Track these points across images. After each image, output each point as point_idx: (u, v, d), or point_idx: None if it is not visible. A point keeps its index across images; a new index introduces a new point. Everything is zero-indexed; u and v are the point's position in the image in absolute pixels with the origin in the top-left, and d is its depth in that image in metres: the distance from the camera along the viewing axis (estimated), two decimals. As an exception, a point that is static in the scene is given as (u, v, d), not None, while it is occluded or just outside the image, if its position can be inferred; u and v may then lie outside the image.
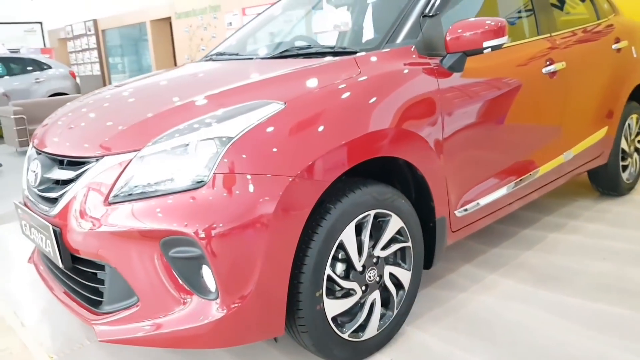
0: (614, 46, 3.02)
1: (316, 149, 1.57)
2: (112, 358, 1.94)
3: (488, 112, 2.17)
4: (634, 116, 3.26)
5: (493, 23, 1.96)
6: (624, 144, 3.19)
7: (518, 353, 1.83)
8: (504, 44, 2.00)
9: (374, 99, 1.76)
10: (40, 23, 14.79)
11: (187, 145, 1.51)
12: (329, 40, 2.69)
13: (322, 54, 2.06)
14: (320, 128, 1.61)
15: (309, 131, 1.60)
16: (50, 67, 9.18)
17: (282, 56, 2.16)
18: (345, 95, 1.72)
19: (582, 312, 2.06)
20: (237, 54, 2.46)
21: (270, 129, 1.55)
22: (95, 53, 12.43)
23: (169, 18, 9.88)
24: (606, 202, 3.26)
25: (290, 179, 1.50)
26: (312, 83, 1.74)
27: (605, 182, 3.24)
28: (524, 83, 2.34)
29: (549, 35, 2.62)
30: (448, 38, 1.98)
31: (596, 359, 1.77)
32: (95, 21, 12.19)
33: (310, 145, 1.57)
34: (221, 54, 2.55)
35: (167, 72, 2.43)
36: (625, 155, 3.23)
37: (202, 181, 1.47)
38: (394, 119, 1.79)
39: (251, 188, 1.47)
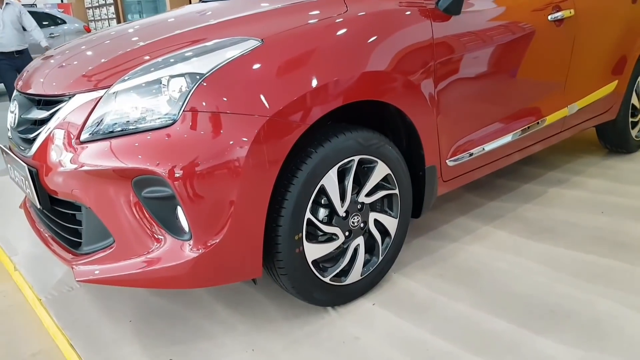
0: (628, -6, 2.86)
1: (294, 90, 1.54)
2: (99, 300, 2.00)
3: (485, 61, 2.09)
4: (648, 70, 3.11)
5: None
6: (634, 100, 3.06)
7: (502, 300, 1.82)
8: (503, -16, 1.91)
9: (358, 40, 1.71)
10: (59, -23, 14.72)
11: (158, 82, 1.49)
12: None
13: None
14: (299, 67, 1.58)
15: (287, 70, 1.56)
16: (65, 22, 9.19)
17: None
18: (328, 34, 1.67)
19: (572, 263, 2.04)
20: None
21: (245, 67, 1.52)
22: (112, 9, 12.37)
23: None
24: (613, 159, 3.17)
25: (266, 119, 1.48)
26: (293, 20, 1.69)
27: (613, 138, 3.14)
28: (526, 30, 2.24)
29: (557, -21, 2.49)
30: (444, -24, 1.90)
31: (580, 306, 1.76)
32: (112, -24, 12.10)
33: (287, 85, 1.54)
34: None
35: (164, 14, 2.40)
36: (635, 111, 3.11)
37: (172, 119, 1.45)
38: (381, 61, 1.74)
39: (223, 127, 1.45)
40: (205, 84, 1.47)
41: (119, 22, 12.31)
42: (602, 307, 1.75)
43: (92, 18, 13.24)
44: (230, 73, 1.51)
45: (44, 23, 8.94)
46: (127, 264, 1.56)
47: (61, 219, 1.74)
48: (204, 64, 1.50)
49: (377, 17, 1.79)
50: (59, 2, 13.78)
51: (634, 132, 3.15)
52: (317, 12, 1.74)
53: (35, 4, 12.69)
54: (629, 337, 1.60)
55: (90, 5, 13.21)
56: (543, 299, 1.82)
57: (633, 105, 3.07)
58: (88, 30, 9.54)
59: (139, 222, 1.53)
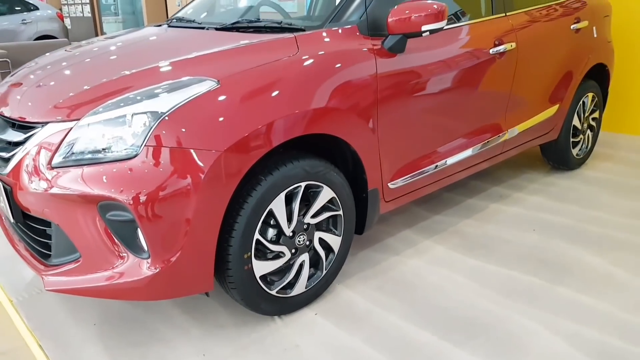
0: (572, 26, 3.09)
1: (245, 126, 1.71)
2: (66, 303, 2.17)
3: (426, 93, 2.29)
4: (589, 94, 3.37)
5: (433, 7, 2.04)
6: (576, 121, 3.31)
7: (430, 313, 2.05)
8: (443, 28, 2.10)
9: (307, 79, 1.89)
10: (32, -42, 14.37)
11: (123, 117, 1.65)
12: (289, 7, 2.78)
13: (271, 29, 2.16)
14: (252, 106, 1.75)
15: (240, 108, 1.73)
16: (37, 8, 9.07)
17: (233, 28, 2.26)
18: (280, 74, 1.85)
19: (498, 279, 2.28)
20: (193, 21, 2.55)
21: (202, 105, 1.69)
22: (86, -6, 12.17)
23: (162, -39, 9.66)
24: (555, 176, 3.43)
25: (219, 153, 1.66)
26: (248, 61, 1.85)
27: (555, 156, 3.39)
28: (468, 63, 2.45)
29: (504, 14, 2.69)
30: (389, 20, 2.07)
31: (497, 321, 2.00)
32: (87, -40, 11.87)
33: (240, 122, 1.71)
34: (180, 20, 2.65)
35: (127, 36, 2.53)
36: (577, 131, 3.37)
37: (135, 152, 1.62)
38: (327, 98, 1.92)
39: (180, 160, 1.63)
40: (165, 120, 1.64)
41: (92, 7, 12.11)
42: (518, 323, 1.99)
43: (66, 2, 13.00)
44: (189, 111, 1.67)
45: (16, 9, 8.84)
46: (92, 277, 1.74)
47: (33, 232, 1.90)
48: (165, 103, 1.67)
49: (325, 58, 1.97)
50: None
51: (575, 151, 3.41)
52: (270, 53, 1.91)
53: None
54: (538, 355, 1.83)
55: (63, -11, 12.96)
56: (466, 313, 2.05)
57: (574, 126, 3.33)
58: (61, 17, 9.40)
59: (104, 241, 1.70)
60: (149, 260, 1.68)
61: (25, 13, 8.86)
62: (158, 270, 1.68)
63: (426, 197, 3.05)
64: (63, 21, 9.46)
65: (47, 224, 1.81)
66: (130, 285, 1.70)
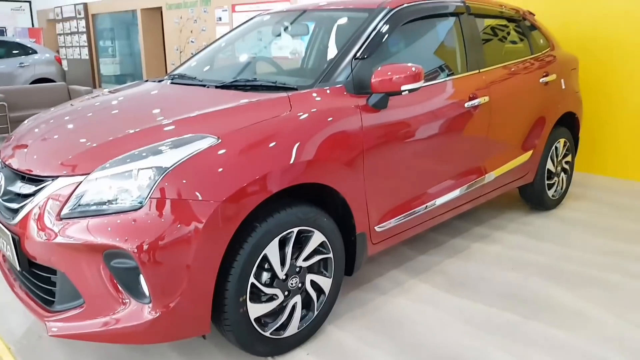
0: (541, 80, 3.36)
1: (243, 179, 1.89)
2: (65, 347, 2.27)
3: (407, 144, 2.50)
4: (561, 140, 3.62)
5: (411, 70, 2.27)
6: (550, 165, 3.55)
7: (416, 350, 2.19)
8: (420, 87, 2.33)
9: (299, 134, 2.08)
10: (29, 2, 14.85)
11: (129, 172, 1.82)
12: (284, 64, 3.02)
13: (266, 87, 2.38)
14: (248, 160, 1.93)
15: (237, 162, 1.91)
16: (35, 52, 9.31)
17: (232, 86, 2.47)
18: (274, 131, 2.04)
19: (479, 316, 2.43)
20: (195, 78, 2.77)
21: (203, 160, 1.86)
22: (84, 37, 12.55)
23: (160, 8, 10.06)
24: (533, 216, 3.64)
25: (218, 204, 1.82)
26: (246, 119, 2.04)
27: (532, 197, 3.61)
28: (445, 116, 2.68)
29: (477, 71, 2.95)
30: (373, 80, 2.30)
31: (477, 355, 2.14)
32: (85, 5, 12.30)
33: (237, 175, 1.89)
34: (182, 76, 2.86)
35: (131, 90, 2.74)
36: (551, 174, 3.60)
37: (140, 204, 1.78)
38: (317, 151, 2.11)
39: (183, 211, 1.79)
40: (169, 175, 1.81)
41: (90, 50, 12.46)
42: (496, 356, 2.14)
43: (63, 44, 13.36)
44: (191, 166, 1.85)
45: (14, 52, 9.08)
46: (94, 322, 1.85)
47: (37, 279, 2.03)
48: (170, 158, 1.84)
49: (315, 115, 2.18)
50: (30, 27, 13.89)
51: (550, 192, 3.63)
52: (266, 111, 2.11)
53: (5, 28, 12.73)
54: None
55: (62, 32, 13.34)
56: (450, 349, 2.19)
57: (549, 170, 3.56)
58: (59, 60, 9.66)
59: (107, 287, 1.84)
60: (150, 305, 1.81)
61: (23, 57, 9.09)
62: (158, 314, 1.81)
63: (412, 237, 3.22)
64: (61, 64, 9.71)
65: (52, 271, 1.93)
66: (131, 330, 1.82)
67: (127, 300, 1.84)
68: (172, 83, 2.77)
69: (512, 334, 2.29)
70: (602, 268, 2.86)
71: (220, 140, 1.92)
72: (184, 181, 1.82)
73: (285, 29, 3.09)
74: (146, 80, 3.07)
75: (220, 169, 1.88)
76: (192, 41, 9.35)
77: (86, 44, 12.53)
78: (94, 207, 1.82)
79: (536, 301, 2.54)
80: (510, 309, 2.48)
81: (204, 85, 2.58)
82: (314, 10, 3.11)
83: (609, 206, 3.80)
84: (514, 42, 3.51)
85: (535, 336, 2.26)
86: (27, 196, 1.99)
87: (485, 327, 2.34)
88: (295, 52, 2.90)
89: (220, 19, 8.60)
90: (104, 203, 1.82)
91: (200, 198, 1.82)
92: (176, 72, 3.05)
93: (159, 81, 2.92)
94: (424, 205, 2.66)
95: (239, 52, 3.16)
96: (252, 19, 3.35)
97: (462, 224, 3.50)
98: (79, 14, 12.53)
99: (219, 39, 3.33)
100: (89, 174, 1.87)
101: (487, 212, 3.70)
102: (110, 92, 2.82)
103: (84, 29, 12.48)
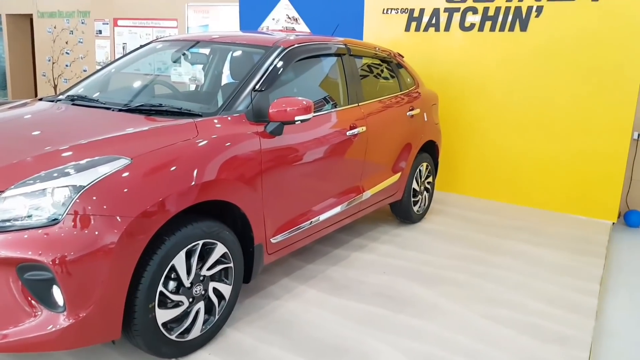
0: (408, 113, 4.00)
1: (154, 197, 2.09)
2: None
3: (299, 166, 2.88)
4: (424, 164, 4.30)
5: (303, 103, 2.66)
6: (415, 185, 4.19)
7: (304, 344, 2.54)
8: (310, 118, 2.73)
9: (204, 156, 2.34)
10: None
11: (45, 190, 1.94)
12: (183, 89, 3.25)
13: (172, 113, 2.60)
14: (159, 179, 2.15)
15: (150, 182, 2.11)
16: None
17: (137, 110, 2.65)
18: (182, 154, 2.28)
19: (356, 312, 2.86)
20: (97, 100, 2.88)
21: (116, 180, 2.03)
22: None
23: (31, 15, 9.43)
24: (402, 228, 4.24)
25: (131, 220, 2.01)
26: (157, 142, 2.25)
27: (401, 212, 4.22)
28: (330, 142, 3.12)
29: (357, 104, 3.46)
30: (270, 111, 2.65)
31: (355, 344, 2.55)
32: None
33: (149, 193, 2.09)
34: (82, 98, 2.95)
35: (32, 109, 2.77)
36: (416, 193, 4.24)
37: (56, 219, 1.91)
38: (221, 172, 2.38)
39: (97, 226, 1.94)
40: (85, 192, 1.96)
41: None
42: (369, 344, 2.56)
43: None
44: (105, 184, 2.01)
45: None
46: (5, 333, 1.92)
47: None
48: (86, 177, 1.99)
49: (218, 140, 2.45)
50: None
51: (415, 208, 4.27)
52: (174, 135, 2.34)
53: None
54: (381, 365, 2.42)
55: None
56: (333, 340, 2.58)
57: (414, 189, 4.19)
58: None
59: (19, 298, 1.92)
60: (65, 313, 1.92)
61: None
62: (71, 322, 1.93)
63: (302, 249, 3.59)
64: None
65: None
66: (43, 338, 1.92)
67: (39, 312, 1.94)
68: (73, 104, 2.85)
69: (384, 325, 2.75)
70: (454, 270, 3.49)
71: (132, 161, 2.11)
72: (99, 198, 1.98)
73: (184, 56, 3.33)
74: (40, 99, 3.08)
75: (132, 188, 2.07)
76: (67, 52, 8.92)
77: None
78: (9, 223, 1.90)
79: (403, 298, 3.05)
80: (383, 306, 2.95)
81: (109, 108, 2.71)
82: (212, 42, 3.40)
83: (462, 220, 4.55)
84: (386, 79, 4.11)
85: (402, 326, 2.75)
86: None
87: (362, 321, 2.78)
88: (194, 79, 3.14)
89: (100, 32, 8.37)
90: (20, 219, 1.90)
91: (114, 214, 1.99)
92: (73, 92, 3.11)
93: (56, 100, 2.97)
94: (311, 220, 3.05)
95: (136, 75, 3.31)
96: (148, 43, 3.53)
97: (344, 236, 3.97)
98: None
99: (115, 60, 3.45)
100: (3, 191, 1.94)
101: (364, 225, 4.23)
102: (12, 111, 2.79)
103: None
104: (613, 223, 4.62)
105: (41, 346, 1.95)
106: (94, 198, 1.97)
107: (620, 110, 4.40)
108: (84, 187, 1.97)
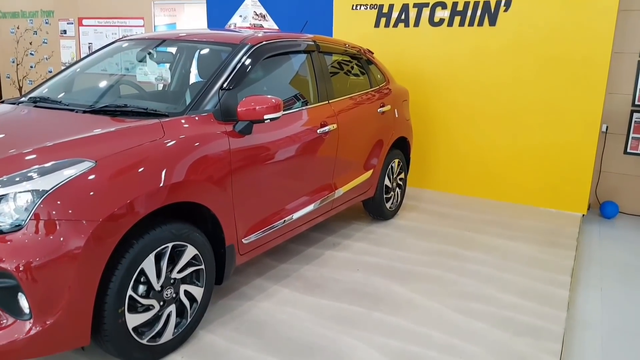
0: (379, 110, 4.01)
1: (120, 200, 2.05)
2: None
3: (269, 165, 2.86)
4: (396, 161, 4.32)
5: (272, 101, 2.63)
6: (387, 182, 4.21)
7: (279, 343, 2.52)
8: (280, 117, 2.70)
9: (172, 157, 2.30)
10: None
11: (7, 195, 1.88)
12: (150, 89, 3.18)
13: (138, 114, 2.54)
14: (124, 182, 2.10)
15: (114, 185, 2.06)
16: None
17: (101, 111, 2.58)
18: (148, 155, 2.23)
19: (330, 310, 2.86)
20: (60, 102, 2.80)
21: (81, 183, 1.98)
22: None
23: (-8, 14, 9.12)
24: (375, 225, 4.26)
25: (97, 224, 1.96)
26: (122, 144, 2.20)
27: (373, 209, 4.23)
28: (301, 141, 3.10)
29: (327, 102, 3.45)
30: (239, 109, 2.61)
31: (330, 342, 2.55)
32: None
33: (114, 196, 2.04)
34: (45, 99, 2.86)
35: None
36: (388, 190, 4.26)
37: (20, 225, 1.85)
38: (189, 173, 2.34)
39: (62, 231, 1.89)
40: (48, 197, 1.90)
41: None
42: (344, 342, 2.56)
43: None
44: (69, 188, 1.95)
45: None
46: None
47: None
48: (49, 181, 1.93)
49: (186, 140, 2.41)
50: None
51: (388, 205, 4.29)
52: (140, 136, 2.28)
53: None
54: (356, 362, 2.42)
55: None
56: (307, 339, 2.57)
57: (386, 186, 4.21)
58: None
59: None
60: (31, 321, 1.88)
61: None
62: (39, 330, 1.88)
63: (275, 248, 3.57)
64: None
65: None
66: (10, 347, 1.86)
67: (4, 320, 1.87)
68: (36, 106, 2.76)
69: (358, 322, 2.75)
70: (427, 265, 3.51)
71: (97, 164, 2.06)
72: (63, 203, 1.93)
73: (150, 55, 3.26)
74: (2, 101, 2.98)
75: (97, 191, 2.01)
76: (31, 53, 8.67)
77: None
78: None
79: (377, 295, 3.06)
80: (357, 303, 2.95)
81: (72, 110, 2.63)
82: (177, 40, 3.34)
83: (434, 215, 4.59)
84: (356, 76, 4.12)
85: (376, 323, 2.75)
86: None
87: (336, 319, 2.77)
88: (160, 78, 3.08)
89: (65, 31, 8.16)
90: None
91: (79, 218, 1.94)
92: (36, 93, 3.02)
93: (18, 103, 2.87)
94: (284, 219, 3.03)
95: (102, 75, 3.23)
96: (113, 42, 3.45)
97: (317, 234, 3.96)
98: None
99: (78, 61, 3.35)
100: None
101: (337, 223, 4.23)
102: None
103: None
104: (583, 215, 4.74)
105: (8, 355, 1.89)
106: (58, 202, 1.92)
107: (589, 103, 4.50)
108: (47, 191, 1.92)
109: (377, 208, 4.20)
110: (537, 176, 4.83)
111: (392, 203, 4.35)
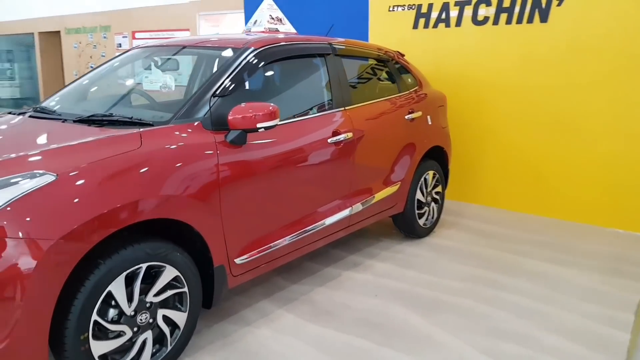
0: (406, 117, 3.64)
1: (81, 216, 1.86)
2: None
3: (267, 178, 2.59)
4: (430, 172, 3.91)
5: (269, 108, 2.38)
6: (419, 196, 3.81)
7: (266, 380, 2.25)
8: (276, 125, 2.45)
9: (146, 172, 2.10)
10: None
11: None
12: (160, 98, 3.06)
13: (123, 123, 2.38)
14: (88, 197, 1.92)
15: (76, 200, 1.88)
16: None
17: (89, 121, 2.45)
18: (118, 168, 2.04)
19: (333, 343, 2.53)
20: (54, 112, 2.72)
21: (38, 198, 1.82)
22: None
23: (59, 32, 9.70)
24: (405, 243, 3.87)
25: (52, 242, 1.79)
26: (90, 156, 2.02)
27: (404, 226, 3.84)
28: (307, 151, 2.81)
29: (343, 108, 3.14)
30: (230, 117, 2.39)
31: (325, 384, 2.23)
32: (-20, 25, 11.57)
33: (75, 212, 1.86)
34: (42, 110, 2.79)
35: None
36: (421, 204, 3.86)
37: None
38: (166, 187, 2.13)
39: (12, 250, 1.74)
40: (2, 213, 1.76)
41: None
42: (341, 382, 2.24)
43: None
44: (25, 203, 1.79)
45: None
46: None
47: None
48: (2, 196, 1.79)
49: (167, 152, 2.21)
50: None
51: (421, 221, 3.88)
52: (112, 148, 2.11)
53: None
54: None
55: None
56: (300, 377, 2.27)
57: (419, 200, 3.81)
58: None
59: None
60: None
61: None
62: (-14, 355, 1.74)
63: (288, 266, 3.31)
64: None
65: None
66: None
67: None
68: (30, 117, 2.70)
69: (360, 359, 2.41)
70: (458, 293, 3.08)
71: (58, 177, 1.90)
72: (17, 219, 1.78)
73: (155, 63, 3.14)
74: (9, 112, 2.96)
75: (55, 207, 1.85)
76: (91, 66, 9.12)
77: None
78: None
79: (392, 327, 2.69)
80: (366, 336, 2.60)
81: (62, 120, 2.53)
82: (183, 47, 3.18)
83: (476, 233, 4.12)
84: (382, 81, 3.78)
85: (383, 360, 2.40)
86: None
87: (339, 355, 2.44)
88: (165, 86, 2.94)
89: (120, 45, 8.49)
90: None
91: (33, 236, 1.78)
92: (45, 103, 2.97)
93: (21, 113, 2.83)
94: (287, 237, 2.75)
95: (106, 85, 3.14)
96: (125, 52, 3.36)
97: (338, 252, 3.64)
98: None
99: (91, 70, 3.30)
100: None
101: (364, 240, 3.89)
102: None
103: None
104: (654, 236, 4.07)
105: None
106: (10, 218, 1.77)
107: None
108: (0, 206, 1.77)
109: (407, 224, 3.81)
110: (600, 190, 4.21)
111: (426, 219, 3.94)
